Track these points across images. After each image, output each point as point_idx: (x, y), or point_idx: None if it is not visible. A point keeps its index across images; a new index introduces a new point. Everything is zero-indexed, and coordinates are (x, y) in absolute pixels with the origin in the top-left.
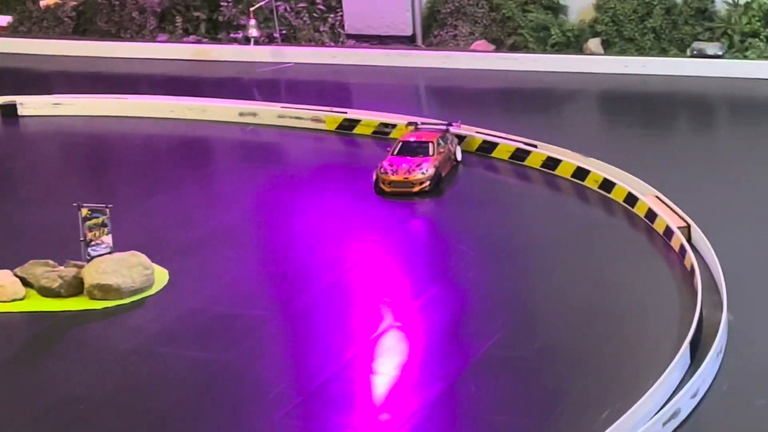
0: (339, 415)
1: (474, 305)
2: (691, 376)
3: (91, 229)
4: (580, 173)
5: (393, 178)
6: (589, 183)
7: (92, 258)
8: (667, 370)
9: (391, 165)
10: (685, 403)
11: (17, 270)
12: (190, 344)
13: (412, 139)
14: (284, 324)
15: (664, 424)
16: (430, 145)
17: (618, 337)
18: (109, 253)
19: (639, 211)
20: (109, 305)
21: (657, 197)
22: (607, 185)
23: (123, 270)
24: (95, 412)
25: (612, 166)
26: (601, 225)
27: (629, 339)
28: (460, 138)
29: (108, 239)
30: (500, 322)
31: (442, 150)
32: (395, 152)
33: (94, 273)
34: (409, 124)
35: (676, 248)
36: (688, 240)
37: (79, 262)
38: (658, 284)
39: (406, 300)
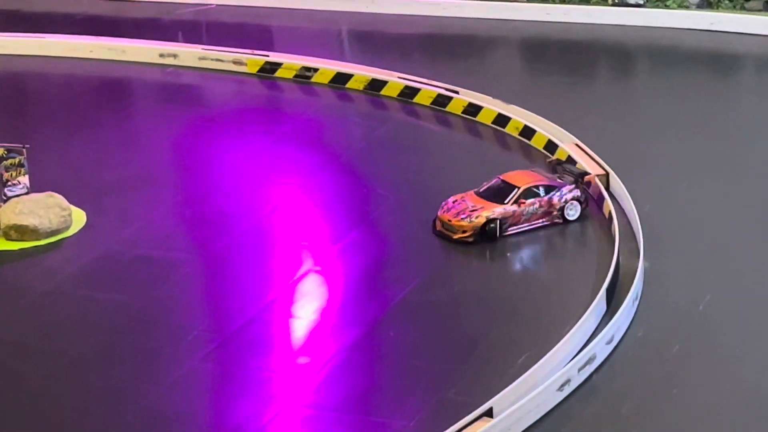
0: (257, 358)
1: (393, 250)
2: (607, 323)
3: (7, 169)
4: (501, 120)
5: (442, 217)
6: (510, 130)
7: (8, 198)
8: (584, 317)
9: (454, 202)
10: (601, 348)
11: None
12: (107, 287)
13: (504, 180)
14: (202, 267)
15: (580, 369)
16: (515, 191)
17: (535, 283)
18: (26, 193)
19: (558, 158)
20: (26, 246)
21: (576, 145)
22: (528, 132)
23: (40, 211)
24: (10, 354)
25: (532, 113)
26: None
27: (546, 285)
28: (583, 183)
29: (25, 180)
30: (419, 267)
31: (526, 202)
32: (481, 189)
33: (10, 214)
34: (551, 161)
35: (595, 195)
36: (606, 187)
37: None
38: (576, 231)
39: (326, 244)
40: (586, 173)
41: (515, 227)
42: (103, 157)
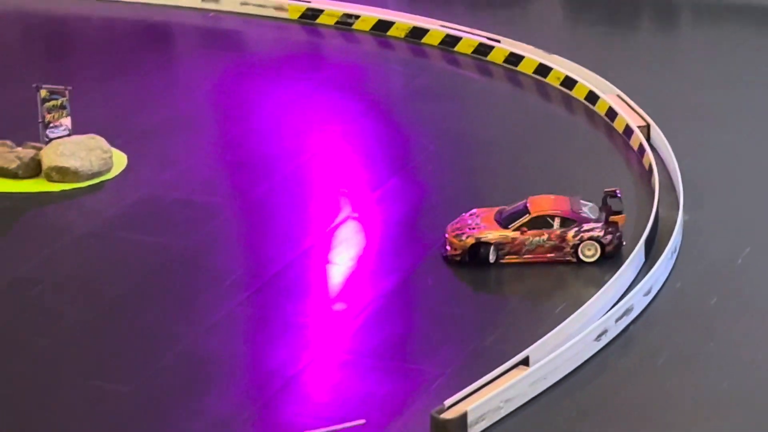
0: (295, 303)
1: (432, 199)
2: (645, 274)
3: (49, 110)
4: (543, 70)
5: (447, 228)
6: (551, 80)
7: (50, 140)
8: (622, 268)
9: (470, 215)
10: (639, 300)
11: None
12: (146, 229)
13: (525, 203)
14: (242, 212)
15: (617, 320)
16: (523, 217)
17: None
18: (68, 135)
19: (599, 109)
20: (67, 188)
21: (618, 96)
22: (569, 82)
23: (81, 153)
24: (50, 294)
25: (574, 63)
26: (561, 122)
27: None
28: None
29: (67, 122)
30: (457, 215)
31: (529, 231)
32: (505, 210)
33: (52, 155)
34: (608, 192)
35: (635, 147)
36: (647, 139)
37: (37, 144)
38: (615, 182)
39: (365, 191)
40: (618, 212)
41: (514, 256)
42: (145, 100)
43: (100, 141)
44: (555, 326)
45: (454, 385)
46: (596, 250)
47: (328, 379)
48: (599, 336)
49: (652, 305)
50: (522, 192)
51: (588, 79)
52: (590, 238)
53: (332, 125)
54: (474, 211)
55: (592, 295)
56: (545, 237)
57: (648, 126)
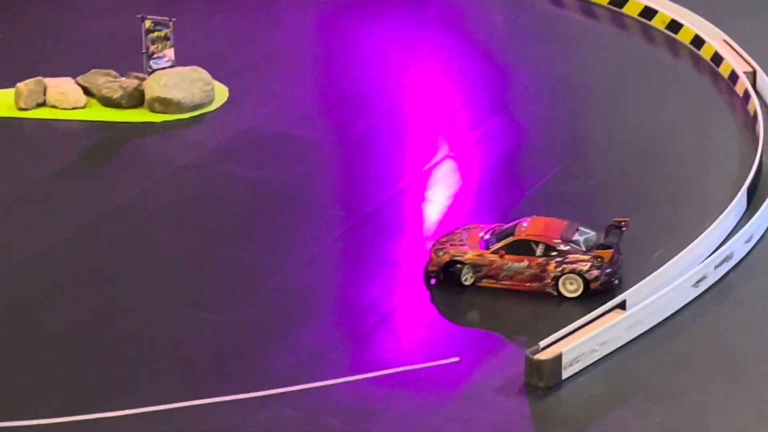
0: (391, 240)
1: (532, 140)
2: (747, 222)
3: (153, 41)
4: (648, 13)
5: (433, 243)
6: (656, 23)
7: (154, 71)
8: (723, 214)
9: (453, 232)
10: (739, 247)
11: (79, 78)
12: (246, 162)
13: (516, 223)
14: (340, 148)
15: (716, 266)
16: (506, 240)
17: (676, 179)
18: (171, 67)
19: (705, 54)
20: (169, 119)
21: (725, 41)
22: (674, 26)
23: (184, 84)
24: (150, 224)
25: (681, 6)
26: (665, 66)
27: (687, 181)
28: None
29: (170, 53)
30: (557, 158)
31: (511, 257)
32: (504, 226)
33: (155, 86)
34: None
35: (740, 93)
36: (753, 85)
37: (141, 74)
38: (719, 129)
39: (464, 131)
40: (606, 246)
41: (492, 280)
42: (246, 35)
43: (202, 73)
44: (653, 271)
45: (548, 327)
46: (579, 285)
47: (422, 316)
48: (697, 282)
49: (753, 253)
50: (619, 139)
51: (694, 23)
52: (572, 272)
53: (433, 63)
54: (469, 225)
55: (692, 241)
56: (525, 264)
57: (754, 72)
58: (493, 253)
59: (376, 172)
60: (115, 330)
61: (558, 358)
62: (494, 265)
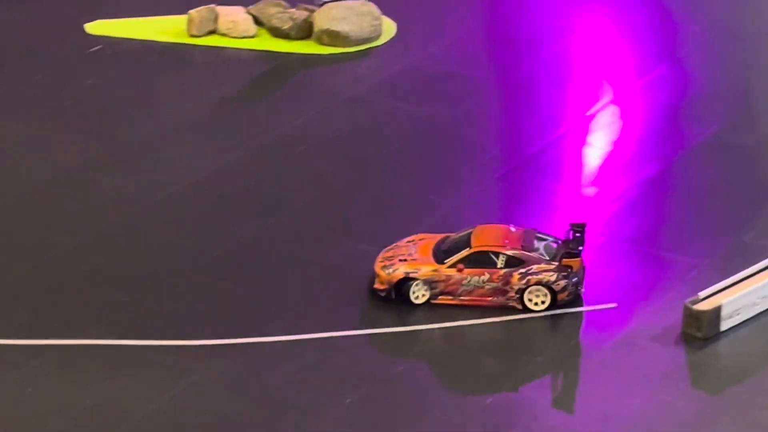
0: (549, 183)
1: (699, 89)
2: None
3: None
4: None
5: (377, 259)
6: None
7: (324, 3)
8: None
9: (395, 246)
10: None
11: (250, 8)
12: (411, 98)
13: (470, 233)
14: (504, 89)
15: None
16: (462, 252)
17: None
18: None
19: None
20: (336, 52)
21: None
22: None
23: (353, 18)
24: (314, 155)
25: None
26: None
27: None
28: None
29: None
30: (725, 108)
31: (469, 270)
32: (449, 237)
33: (324, 18)
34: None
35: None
36: None
37: (311, 6)
38: None
39: (630, 77)
40: (572, 254)
41: (449, 297)
42: None
43: (371, 7)
44: None
45: (708, 278)
46: (546, 297)
47: None
48: None
49: None
50: None
51: None
52: (538, 283)
53: (604, 7)
54: (412, 237)
55: None
56: (486, 277)
57: None
58: (450, 267)
59: (539, 114)
60: (272, 257)
61: (717, 310)
62: (451, 281)
